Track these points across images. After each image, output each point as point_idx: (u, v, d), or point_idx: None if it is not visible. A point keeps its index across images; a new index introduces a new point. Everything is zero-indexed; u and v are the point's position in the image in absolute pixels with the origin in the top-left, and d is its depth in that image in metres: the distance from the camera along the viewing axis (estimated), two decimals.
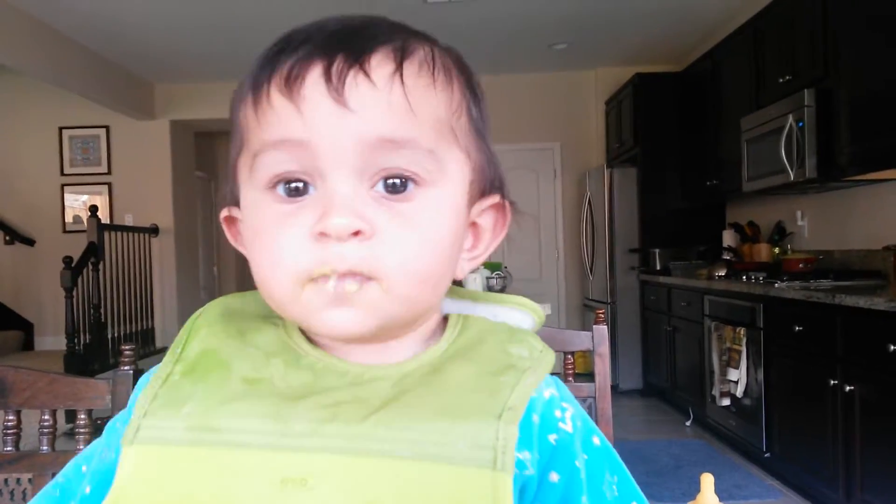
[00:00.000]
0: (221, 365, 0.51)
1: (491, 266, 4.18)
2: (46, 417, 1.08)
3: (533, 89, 6.36)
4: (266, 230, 0.49)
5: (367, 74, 0.47)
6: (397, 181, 0.48)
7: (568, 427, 0.51)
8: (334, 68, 0.47)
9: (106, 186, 6.61)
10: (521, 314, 0.59)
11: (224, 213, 0.57)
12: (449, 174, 0.50)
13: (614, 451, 0.54)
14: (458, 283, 0.58)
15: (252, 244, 0.51)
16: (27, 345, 6.61)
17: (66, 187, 6.65)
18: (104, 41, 5.24)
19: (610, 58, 6.00)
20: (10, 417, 1.08)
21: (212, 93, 6.32)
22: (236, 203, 0.55)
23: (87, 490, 0.55)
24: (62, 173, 6.63)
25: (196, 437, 0.47)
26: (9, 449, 1.07)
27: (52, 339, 6.46)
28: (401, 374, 0.50)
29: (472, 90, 0.54)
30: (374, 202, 0.47)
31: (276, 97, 0.48)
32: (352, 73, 0.47)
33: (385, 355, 0.51)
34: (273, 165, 0.48)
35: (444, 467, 0.44)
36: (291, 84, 0.48)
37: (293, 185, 0.48)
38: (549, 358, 0.52)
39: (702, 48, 5.21)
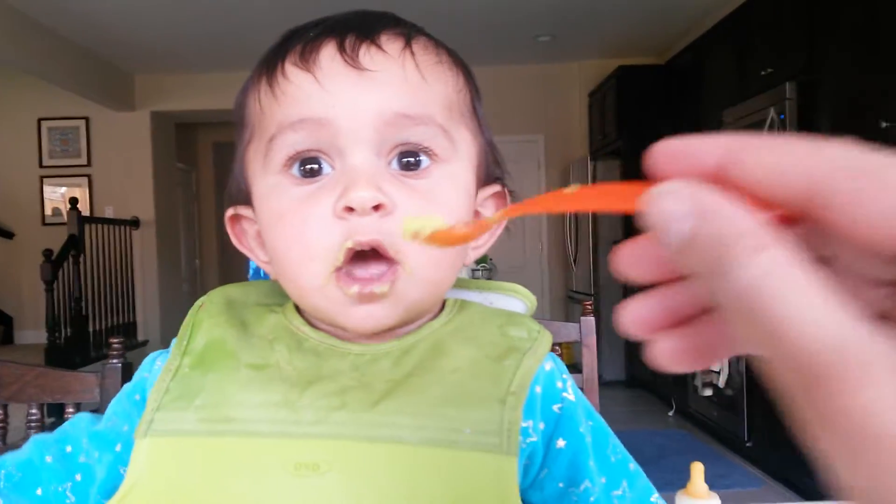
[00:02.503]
0: (228, 355, 0.51)
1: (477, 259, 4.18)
2: (34, 412, 1.08)
3: (517, 81, 6.36)
4: (288, 213, 0.49)
5: (379, 47, 0.49)
6: (412, 159, 0.49)
7: (570, 396, 0.53)
8: (347, 42, 0.48)
9: (86, 178, 6.53)
10: (515, 301, 0.61)
11: (229, 212, 0.57)
12: (460, 153, 0.51)
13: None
14: None
15: (273, 229, 0.50)
16: (6, 338, 6.53)
17: (45, 179, 6.56)
18: (84, 31, 5.16)
19: (593, 50, 6.00)
20: None
21: (193, 84, 6.26)
22: (243, 201, 0.55)
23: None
24: (41, 165, 6.54)
25: (209, 428, 0.48)
26: None
27: (32, 333, 6.39)
28: (401, 350, 0.51)
29: (472, 80, 0.56)
30: (393, 179, 0.48)
31: (291, 71, 0.49)
32: (364, 45, 0.48)
33: (386, 336, 0.52)
34: (290, 146, 0.48)
35: (451, 452, 0.45)
36: (307, 56, 0.48)
37: (309, 166, 0.49)
38: (547, 338, 0.54)
39: (684, 41, 5.23)
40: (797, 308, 0.18)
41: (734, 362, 3.57)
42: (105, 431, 0.56)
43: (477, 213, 0.55)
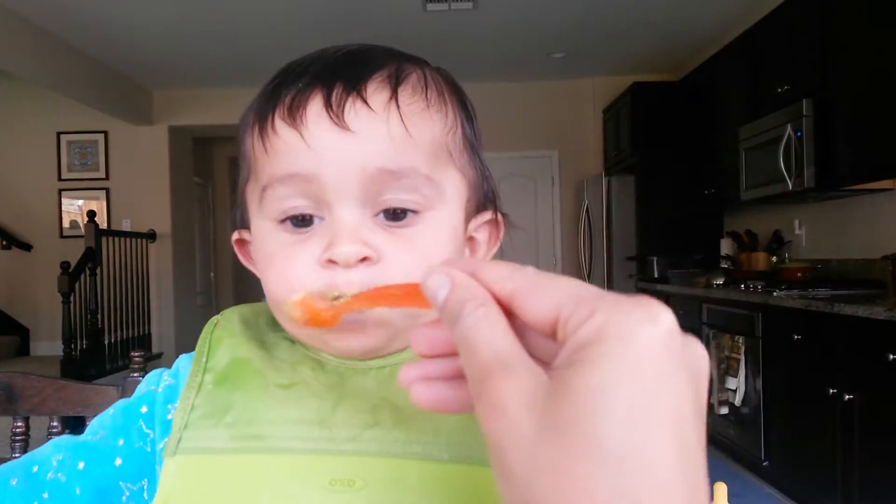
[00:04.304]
0: (256, 373, 0.52)
1: None
2: (55, 424, 1.08)
3: (531, 97, 6.38)
4: (276, 257, 0.51)
5: (364, 101, 0.50)
6: (397, 210, 0.51)
7: None
8: (334, 96, 0.50)
9: (103, 192, 6.61)
10: None
11: (235, 235, 0.60)
12: (446, 197, 0.53)
13: None
14: None
15: (264, 270, 0.53)
16: (22, 350, 6.59)
17: (63, 192, 6.64)
18: (103, 47, 5.24)
19: (608, 67, 6.02)
20: (19, 424, 1.08)
21: (210, 99, 6.32)
22: (246, 226, 0.57)
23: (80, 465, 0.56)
24: (60, 178, 6.62)
25: (242, 445, 0.48)
26: (17, 455, 1.06)
27: (47, 345, 6.44)
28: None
29: (464, 108, 0.57)
30: (379, 228, 0.50)
31: (280, 126, 0.51)
32: (350, 99, 0.50)
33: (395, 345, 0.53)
34: (281, 200, 0.51)
35: (483, 469, 0.46)
36: (294, 112, 0.50)
37: (300, 218, 0.51)
38: None
39: (699, 58, 5.24)
40: (487, 338, 0.29)
41: (751, 380, 3.54)
42: (97, 443, 0.56)
43: (471, 239, 0.57)
